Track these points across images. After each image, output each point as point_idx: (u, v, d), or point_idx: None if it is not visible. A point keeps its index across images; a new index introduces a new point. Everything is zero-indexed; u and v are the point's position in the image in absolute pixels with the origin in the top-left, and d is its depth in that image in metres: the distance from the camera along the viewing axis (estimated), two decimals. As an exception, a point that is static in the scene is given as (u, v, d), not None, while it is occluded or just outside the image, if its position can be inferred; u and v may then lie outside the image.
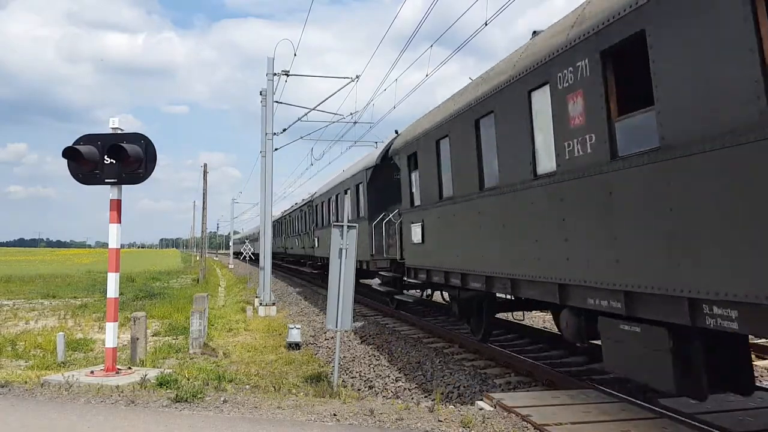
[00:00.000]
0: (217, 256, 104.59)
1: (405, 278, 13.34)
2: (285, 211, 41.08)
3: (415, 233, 11.71)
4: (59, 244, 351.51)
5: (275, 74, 20.44)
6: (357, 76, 21.00)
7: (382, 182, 16.02)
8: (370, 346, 11.74)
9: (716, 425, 5.59)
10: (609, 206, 5.69)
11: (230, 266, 61.05)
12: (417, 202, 11.77)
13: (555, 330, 10.53)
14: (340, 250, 8.65)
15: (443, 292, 13.28)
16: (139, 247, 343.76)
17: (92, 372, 8.37)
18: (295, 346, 12.05)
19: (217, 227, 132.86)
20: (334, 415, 6.06)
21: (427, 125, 11.09)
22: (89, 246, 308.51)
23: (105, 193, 8.71)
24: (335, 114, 23.52)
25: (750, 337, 5.94)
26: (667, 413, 5.95)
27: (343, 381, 9.08)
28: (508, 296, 9.03)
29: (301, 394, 7.72)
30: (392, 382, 8.97)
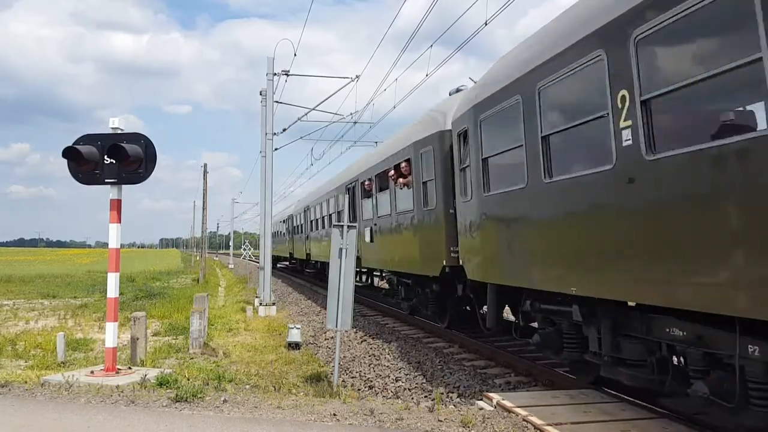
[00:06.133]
0: (217, 256, 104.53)
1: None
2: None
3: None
4: (59, 244, 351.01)
5: (275, 74, 20.43)
6: (357, 76, 20.96)
7: None
8: (370, 346, 11.74)
9: (716, 425, 5.59)
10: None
11: (230, 266, 61.04)
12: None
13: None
14: (340, 249, 8.66)
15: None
16: (139, 247, 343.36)
17: (92, 372, 8.37)
18: (295, 345, 12.06)
19: (217, 227, 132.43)
20: (334, 415, 6.06)
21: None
22: (89, 246, 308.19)
23: (105, 193, 8.70)
24: (335, 114, 23.42)
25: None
26: (667, 413, 5.95)
27: (343, 381, 9.08)
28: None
29: (301, 394, 7.73)
30: (392, 382, 8.97)
